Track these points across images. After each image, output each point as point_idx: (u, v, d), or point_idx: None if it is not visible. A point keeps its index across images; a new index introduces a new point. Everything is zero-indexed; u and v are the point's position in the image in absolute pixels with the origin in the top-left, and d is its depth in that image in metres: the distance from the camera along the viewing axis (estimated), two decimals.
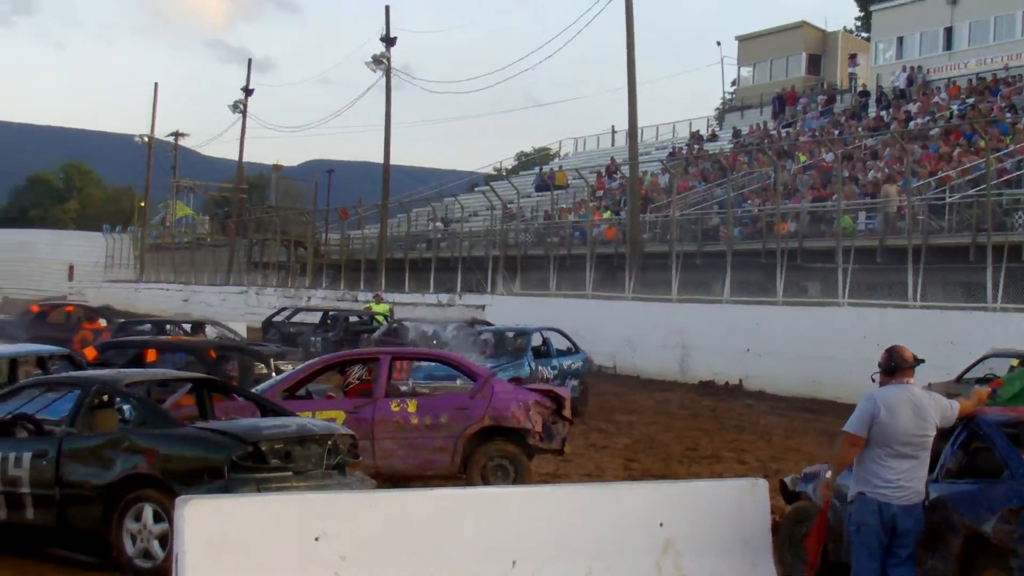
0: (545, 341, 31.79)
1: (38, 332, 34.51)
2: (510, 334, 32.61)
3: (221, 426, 13.78)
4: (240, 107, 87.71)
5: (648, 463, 21.82)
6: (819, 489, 11.59)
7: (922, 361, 10.94)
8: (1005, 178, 38.92)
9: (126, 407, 14.58)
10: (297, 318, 46.47)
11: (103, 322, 39.65)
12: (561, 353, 31.60)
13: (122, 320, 38.77)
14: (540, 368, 29.82)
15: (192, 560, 10.09)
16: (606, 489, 12.28)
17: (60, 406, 14.77)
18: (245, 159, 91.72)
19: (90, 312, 42.67)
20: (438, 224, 62.41)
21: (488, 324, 36.37)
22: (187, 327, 34.76)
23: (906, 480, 10.54)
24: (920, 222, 37.24)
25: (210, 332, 34.71)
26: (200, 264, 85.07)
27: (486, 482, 16.95)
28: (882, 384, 10.87)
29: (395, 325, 38.54)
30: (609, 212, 54.94)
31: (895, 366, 10.76)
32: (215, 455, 12.78)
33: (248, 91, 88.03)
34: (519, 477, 17.29)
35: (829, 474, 11.02)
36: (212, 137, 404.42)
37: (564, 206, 60.14)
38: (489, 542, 10.90)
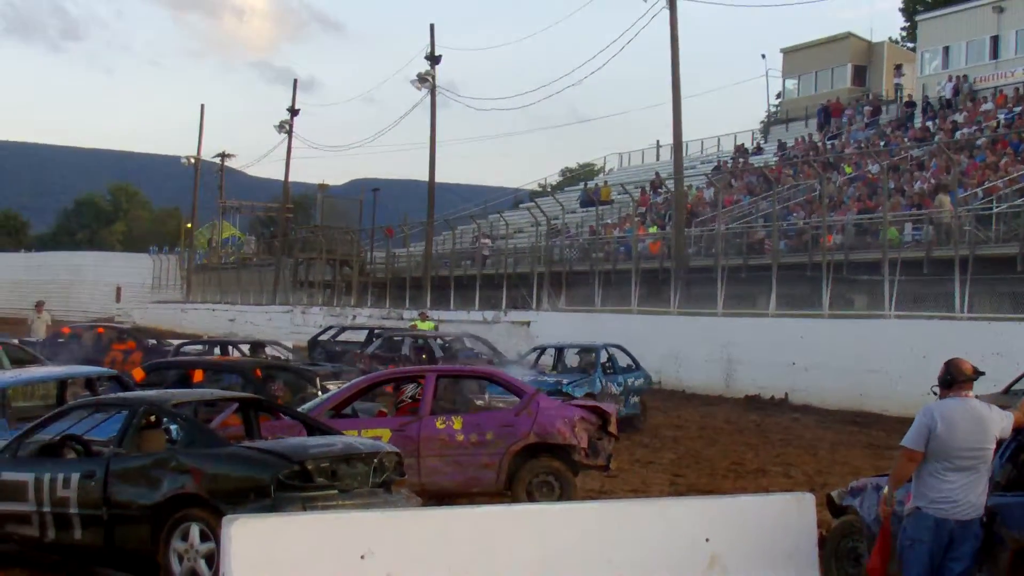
0: (610, 357, 31.85)
1: (71, 353, 34.79)
2: (575, 350, 32.94)
3: (267, 445, 13.81)
4: (286, 127, 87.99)
5: (694, 478, 21.77)
6: (877, 506, 11.49)
7: (982, 374, 10.85)
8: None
9: (173, 427, 14.66)
10: (343, 336, 46.51)
11: (134, 343, 39.99)
12: (623, 370, 31.66)
13: (181, 341, 39.00)
14: (608, 384, 29.92)
15: None
16: (652, 505, 12.26)
17: (108, 427, 14.86)
18: (291, 179, 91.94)
19: (122, 333, 42.93)
20: (485, 241, 62.31)
21: (478, 339, 38.10)
22: (245, 348, 34.92)
23: (964, 494, 10.44)
24: (967, 232, 37.03)
25: (269, 352, 34.93)
26: (246, 284, 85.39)
27: (531, 499, 16.94)
28: (941, 397, 10.79)
29: (421, 342, 38.75)
30: (654, 227, 54.86)
31: (953, 379, 10.67)
32: (261, 474, 12.82)
33: (294, 111, 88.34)
34: (564, 493, 17.26)
35: (887, 490, 10.94)
36: (258, 158, 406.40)
37: (609, 221, 60.12)
38: (535, 559, 10.89)
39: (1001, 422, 10.76)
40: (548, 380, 28.57)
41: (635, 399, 30.16)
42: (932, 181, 44.48)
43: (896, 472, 10.78)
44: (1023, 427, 11.17)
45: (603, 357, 31.43)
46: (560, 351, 33.23)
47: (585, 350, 32.45)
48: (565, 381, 28.76)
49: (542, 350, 33.65)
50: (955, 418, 10.45)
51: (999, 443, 10.85)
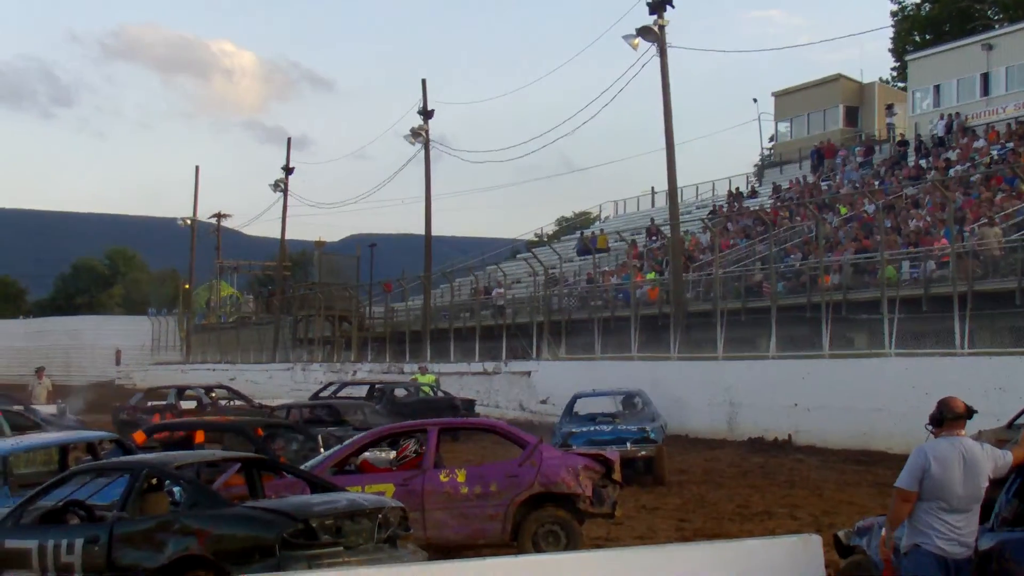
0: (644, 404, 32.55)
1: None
2: (620, 397, 33.54)
3: (271, 504, 13.80)
4: (281, 186, 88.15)
5: (700, 523, 21.71)
6: (878, 547, 11.49)
7: (975, 412, 10.86)
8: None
9: (176, 489, 14.62)
10: (344, 392, 46.51)
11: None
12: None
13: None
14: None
15: None
16: (659, 552, 12.21)
17: (111, 491, 14.83)
18: (287, 237, 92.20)
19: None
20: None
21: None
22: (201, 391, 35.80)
23: (959, 533, 10.46)
24: (965, 269, 37.06)
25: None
26: (245, 343, 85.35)
27: (538, 549, 16.91)
28: (934, 436, 10.81)
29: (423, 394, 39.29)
30: (652, 273, 54.93)
31: (944, 417, 10.70)
32: (266, 533, 12.80)
33: (288, 170, 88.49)
34: (571, 542, 17.23)
35: (884, 531, 10.95)
36: (254, 217, 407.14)
37: (606, 269, 60.19)
38: None
39: (994, 460, 10.76)
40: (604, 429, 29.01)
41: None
42: (927, 219, 44.58)
43: (892, 513, 10.80)
44: None
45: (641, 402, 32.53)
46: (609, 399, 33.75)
47: (630, 396, 33.26)
48: (635, 428, 28.85)
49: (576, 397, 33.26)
50: (947, 457, 10.47)
51: (994, 481, 10.85)
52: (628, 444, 27.60)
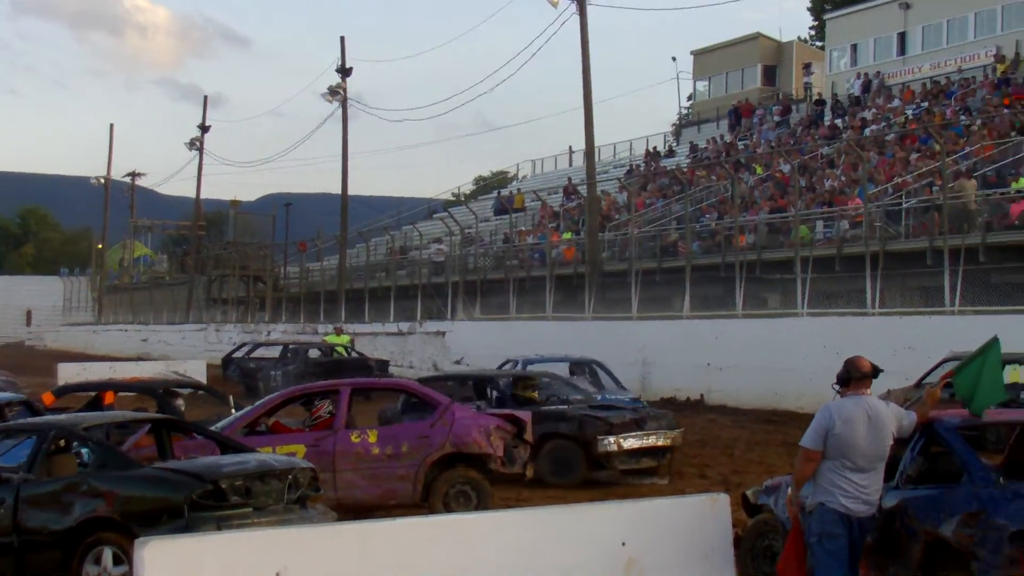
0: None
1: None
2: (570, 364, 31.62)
3: (180, 465, 13.72)
4: (196, 144, 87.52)
5: (610, 483, 21.77)
6: (785, 506, 11.58)
7: (880, 371, 10.93)
8: (961, 181, 39.00)
9: (84, 450, 14.48)
10: (257, 353, 46.31)
11: None
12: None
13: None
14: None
15: None
16: (568, 511, 12.20)
17: (18, 453, 14.64)
18: (203, 196, 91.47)
19: None
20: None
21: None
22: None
23: (863, 491, 10.55)
24: (877, 228, 37.35)
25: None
26: (159, 303, 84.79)
27: (449, 509, 16.91)
28: (841, 395, 10.89)
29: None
30: (568, 233, 54.95)
31: (851, 377, 10.77)
32: (174, 495, 12.72)
33: (204, 128, 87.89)
34: (482, 503, 17.26)
35: (791, 490, 11.03)
36: (169, 176, 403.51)
37: (523, 228, 60.18)
38: (453, 569, 10.83)
39: (899, 420, 10.86)
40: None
41: None
42: (842, 178, 44.87)
43: (798, 472, 10.88)
44: (931, 421, 11.27)
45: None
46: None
47: (580, 364, 31.52)
48: (631, 396, 28.21)
49: (515, 363, 31.58)
50: (852, 417, 10.55)
51: (899, 440, 10.95)
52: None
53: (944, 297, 32.90)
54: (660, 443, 21.58)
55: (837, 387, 10.96)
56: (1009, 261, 33.44)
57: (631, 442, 21.22)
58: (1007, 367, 21.29)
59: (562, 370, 30.19)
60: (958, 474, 10.93)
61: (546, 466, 21.01)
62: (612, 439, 20.97)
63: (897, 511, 10.98)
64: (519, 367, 30.20)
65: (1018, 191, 35.34)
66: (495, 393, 23.78)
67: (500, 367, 31.27)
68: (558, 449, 21.24)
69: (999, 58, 54.14)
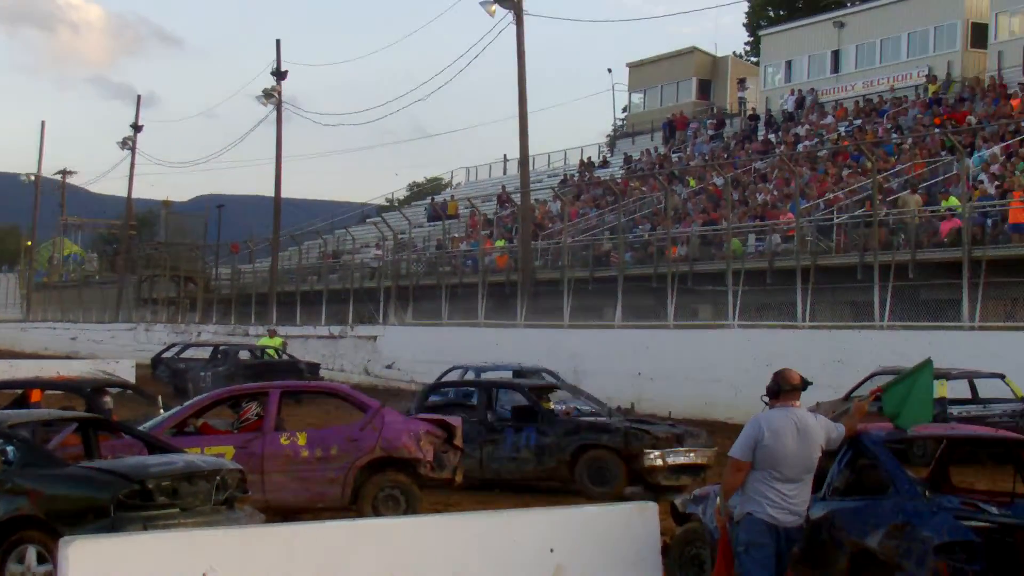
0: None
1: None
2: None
3: (107, 465, 13.61)
4: (128, 144, 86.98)
5: (539, 489, 21.78)
6: (713, 515, 11.63)
7: (809, 383, 11.00)
8: (891, 198, 39.37)
9: (9, 448, 14.31)
10: (187, 354, 46.01)
11: None
12: None
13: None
14: None
15: None
16: (497, 517, 12.21)
17: None
18: (135, 195, 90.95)
19: None
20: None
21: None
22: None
23: (791, 502, 10.62)
24: (808, 243, 37.63)
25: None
26: (88, 302, 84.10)
27: (377, 513, 16.88)
28: (770, 407, 10.95)
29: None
30: (501, 240, 55.02)
31: (780, 389, 10.83)
32: (100, 494, 12.61)
33: (137, 127, 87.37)
34: (411, 507, 17.22)
35: (719, 500, 11.07)
36: (100, 174, 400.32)
37: (456, 235, 60.21)
38: (380, 573, 10.80)
39: (827, 432, 10.93)
40: None
41: None
42: (775, 193, 45.19)
43: (726, 482, 10.93)
44: (859, 434, 11.35)
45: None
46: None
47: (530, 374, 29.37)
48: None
49: (463, 371, 30.56)
50: (781, 428, 10.61)
51: (827, 452, 11.02)
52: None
53: (874, 312, 33.22)
54: (699, 461, 21.29)
55: (766, 399, 11.03)
56: (938, 278, 33.77)
57: (674, 458, 20.91)
58: (934, 382, 21.48)
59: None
60: (885, 487, 11.01)
61: (584, 475, 20.91)
62: (657, 454, 20.70)
63: (824, 522, 11.05)
64: (467, 375, 29.86)
65: (948, 209, 35.68)
66: (513, 398, 23.43)
67: (443, 375, 30.73)
68: (598, 459, 21.01)
69: (931, 78, 54.80)
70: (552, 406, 22.72)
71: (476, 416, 22.14)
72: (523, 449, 21.24)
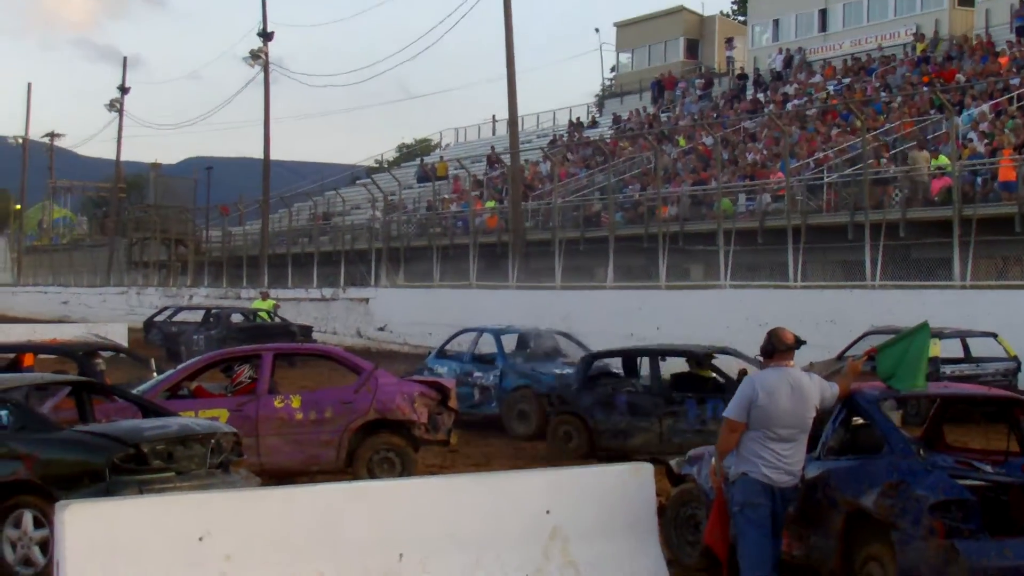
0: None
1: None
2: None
3: (101, 429, 13.59)
4: (116, 106, 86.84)
5: (535, 451, 21.82)
6: (708, 476, 11.66)
7: (803, 343, 11.01)
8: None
9: (3, 413, 14.30)
10: (179, 317, 46.02)
11: None
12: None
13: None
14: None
15: (73, 566, 9.89)
16: (492, 479, 12.21)
17: None
18: (123, 158, 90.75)
19: None
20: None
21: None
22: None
23: (786, 462, 10.64)
24: (799, 202, 37.62)
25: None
26: (79, 266, 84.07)
27: (372, 476, 16.90)
28: (763, 366, 10.97)
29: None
30: (492, 201, 54.95)
31: (774, 348, 10.84)
32: (95, 458, 12.60)
33: (124, 89, 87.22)
34: (406, 469, 17.26)
35: (714, 461, 11.09)
36: (88, 137, 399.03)
37: (446, 196, 60.13)
38: (376, 536, 10.80)
39: (821, 392, 10.94)
40: None
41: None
42: (764, 152, 45.16)
43: (721, 442, 10.94)
44: (853, 393, 11.37)
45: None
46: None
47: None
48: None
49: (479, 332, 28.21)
50: (775, 388, 10.63)
51: (821, 412, 11.04)
52: None
53: (865, 271, 33.24)
54: None
55: (760, 358, 11.04)
56: (928, 236, 33.77)
57: None
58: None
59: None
60: (879, 446, 11.03)
61: None
62: None
63: (819, 482, 11.07)
64: (483, 337, 27.77)
65: (938, 167, 35.66)
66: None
67: (451, 339, 28.71)
68: None
69: (919, 37, 54.75)
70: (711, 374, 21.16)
71: (645, 386, 21.10)
72: (709, 422, 19.13)
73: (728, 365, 21.33)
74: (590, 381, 21.45)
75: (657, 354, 22.05)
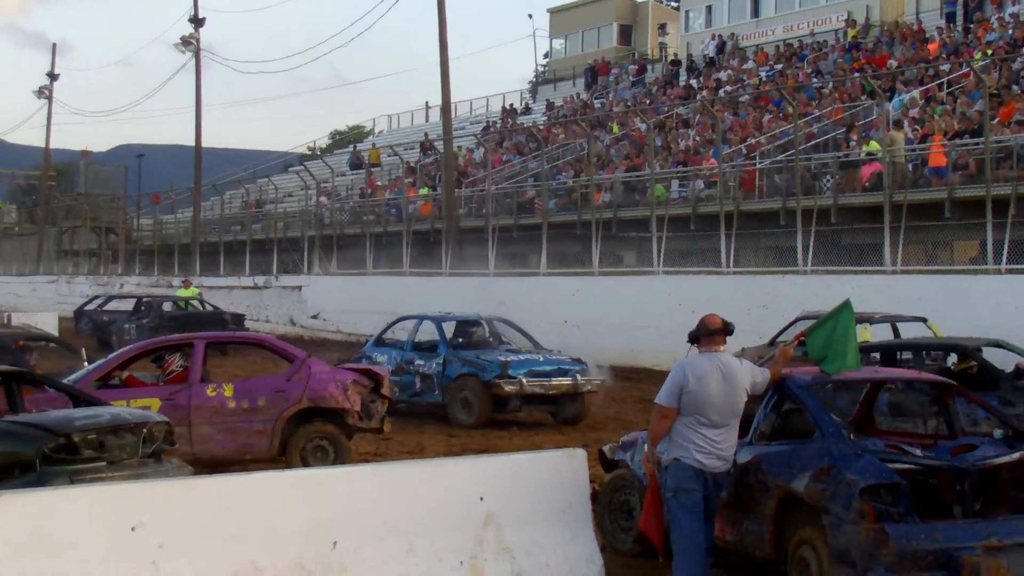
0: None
1: None
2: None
3: (31, 418, 13.45)
4: (45, 92, 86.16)
5: (469, 439, 21.84)
6: (641, 462, 11.70)
7: (732, 328, 11.06)
8: (813, 143, 39.58)
9: None
10: (110, 306, 45.70)
11: None
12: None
13: None
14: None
15: (4, 558, 9.82)
16: (426, 466, 12.19)
17: None
18: (52, 146, 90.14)
19: None
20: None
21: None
22: None
23: (718, 447, 10.71)
24: (731, 189, 37.77)
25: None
26: (8, 255, 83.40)
27: (306, 464, 16.85)
28: (697, 352, 11.03)
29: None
30: (425, 188, 54.87)
31: (703, 333, 10.91)
32: (25, 448, 12.48)
33: (53, 76, 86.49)
34: (339, 457, 17.22)
35: (647, 447, 11.14)
36: (16, 124, 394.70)
37: (380, 184, 60.00)
38: (310, 524, 10.78)
39: (752, 377, 11.01)
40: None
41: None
42: (697, 138, 45.31)
43: (653, 429, 11.00)
44: (784, 378, 11.44)
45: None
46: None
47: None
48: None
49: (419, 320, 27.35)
50: (706, 374, 10.70)
51: (752, 397, 11.11)
52: (577, 376, 24.35)
53: (797, 257, 33.44)
54: None
55: (691, 344, 11.10)
56: (859, 222, 34.00)
57: None
58: (857, 327, 21.57)
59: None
60: (810, 431, 11.09)
61: None
62: None
63: (751, 467, 11.13)
64: (422, 325, 26.98)
65: (868, 154, 35.87)
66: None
67: (389, 326, 27.98)
68: None
69: (850, 23, 55.01)
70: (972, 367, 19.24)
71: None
72: (981, 423, 16.33)
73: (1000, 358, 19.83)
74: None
75: (922, 349, 21.16)
